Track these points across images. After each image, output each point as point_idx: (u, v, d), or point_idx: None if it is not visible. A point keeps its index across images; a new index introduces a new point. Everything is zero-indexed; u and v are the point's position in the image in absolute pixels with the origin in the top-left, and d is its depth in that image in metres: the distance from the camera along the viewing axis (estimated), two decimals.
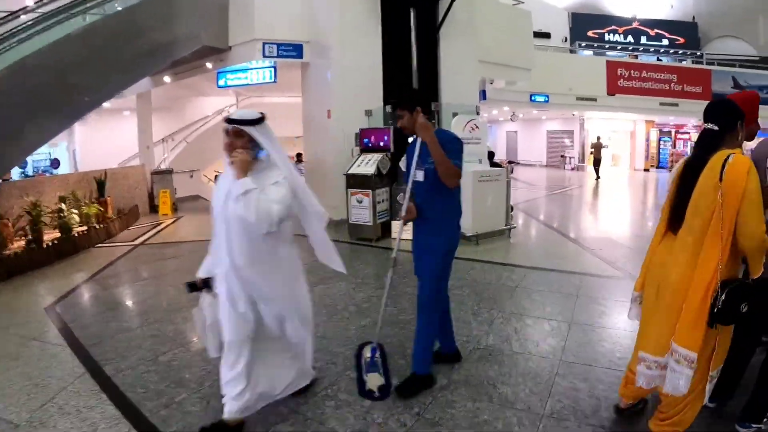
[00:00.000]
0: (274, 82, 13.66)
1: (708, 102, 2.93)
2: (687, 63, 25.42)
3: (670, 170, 19.95)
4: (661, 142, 28.83)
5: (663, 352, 2.76)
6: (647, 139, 28.54)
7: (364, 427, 3.30)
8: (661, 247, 2.96)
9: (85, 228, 9.44)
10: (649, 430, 3.01)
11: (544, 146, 32.08)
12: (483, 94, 17.78)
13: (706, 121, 2.80)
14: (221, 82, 14.52)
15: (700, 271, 2.61)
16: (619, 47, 27.85)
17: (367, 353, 3.79)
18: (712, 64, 24.18)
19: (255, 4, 11.15)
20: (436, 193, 3.58)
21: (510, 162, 21.19)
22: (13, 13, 10.17)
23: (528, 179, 23.06)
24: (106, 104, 14.53)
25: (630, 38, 28.86)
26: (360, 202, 9.13)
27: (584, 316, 5.22)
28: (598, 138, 24.25)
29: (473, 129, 9.06)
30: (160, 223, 12.09)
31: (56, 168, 18.76)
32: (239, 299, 3.09)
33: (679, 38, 28.92)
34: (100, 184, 11.08)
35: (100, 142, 18.91)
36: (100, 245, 9.42)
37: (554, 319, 5.14)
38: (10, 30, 9.58)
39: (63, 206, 9.15)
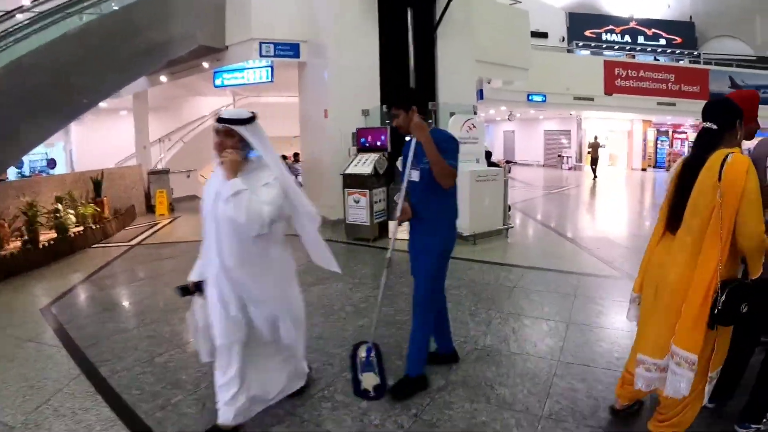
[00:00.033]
0: (271, 81, 13.63)
1: (706, 101, 2.91)
2: (684, 63, 25.42)
3: (668, 170, 20.06)
4: (659, 142, 28.94)
5: (662, 354, 2.74)
6: (644, 139, 28.61)
7: (361, 429, 3.27)
8: (659, 248, 2.94)
9: (81, 228, 9.40)
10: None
11: (542, 146, 32.11)
12: (480, 94, 17.76)
13: (704, 119, 2.78)
14: (218, 82, 14.48)
15: (699, 272, 2.59)
16: (616, 47, 27.91)
17: (362, 353, 3.78)
18: (710, 63, 24.22)
19: (252, 4, 11.11)
20: (431, 193, 3.55)
21: (507, 162, 21.22)
22: (8, 12, 10.13)
23: (525, 179, 23.07)
24: (102, 104, 14.46)
25: (627, 38, 28.92)
26: (357, 202, 9.11)
27: (582, 316, 5.20)
28: (596, 137, 24.29)
29: (470, 129, 9.05)
30: (157, 224, 12.05)
31: (53, 168, 18.73)
32: (230, 302, 3.06)
33: (676, 38, 28.98)
34: (97, 184, 11.06)
35: (97, 142, 18.83)
36: (96, 245, 9.39)
37: (552, 320, 5.13)
38: (6, 29, 9.55)
39: (59, 206, 9.11)
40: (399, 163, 4.30)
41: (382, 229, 9.36)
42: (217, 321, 3.08)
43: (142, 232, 10.86)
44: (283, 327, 3.25)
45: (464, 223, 8.46)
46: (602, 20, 28.95)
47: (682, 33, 29.04)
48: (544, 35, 25.85)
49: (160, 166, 15.82)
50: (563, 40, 27.30)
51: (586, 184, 20.77)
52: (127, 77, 10.81)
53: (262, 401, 3.31)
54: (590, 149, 23.79)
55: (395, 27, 10.60)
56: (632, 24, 29.10)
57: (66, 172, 17.97)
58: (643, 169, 28.01)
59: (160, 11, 10.61)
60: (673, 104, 22.91)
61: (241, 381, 3.12)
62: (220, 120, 3.03)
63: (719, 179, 2.53)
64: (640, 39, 28.98)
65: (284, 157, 18.08)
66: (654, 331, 2.82)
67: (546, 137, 31.77)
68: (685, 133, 28.36)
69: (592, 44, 27.31)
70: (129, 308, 6.09)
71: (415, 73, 10.63)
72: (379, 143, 9.51)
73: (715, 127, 2.72)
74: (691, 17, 29.33)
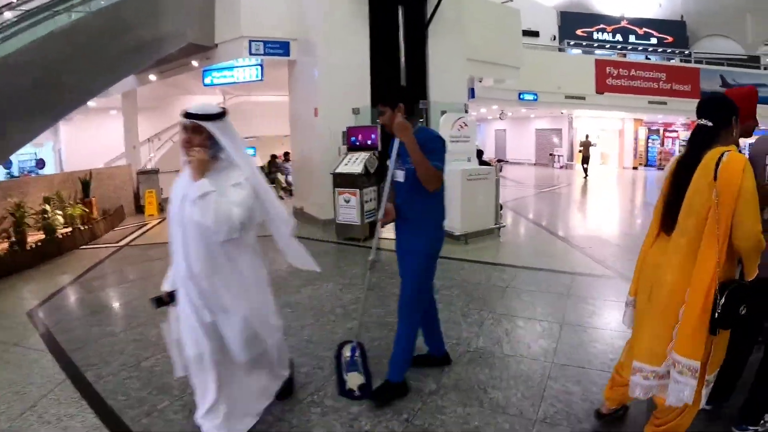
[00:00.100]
0: (261, 80, 13.58)
1: (702, 98, 2.85)
2: (675, 62, 25.54)
3: (659, 168, 20.17)
4: (650, 141, 29.08)
5: (659, 361, 2.67)
6: (636, 138, 28.77)
7: None
8: (654, 249, 2.86)
9: (69, 229, 9.30)
10: None
11: (533, 145, 32.22)
12: (471, 93, 17.76)
13: (699, 116, 2.70)
14: (207, 81, 14.42)
15: (697, 275, 2.52)
16: (607, 46, 28.05)
17: (346, 352, 3.71)
18: (701, 62, 24.35)
19: (241, 2, 11.00)
20: (416, 194, 3.44)
21: (499, 160, 21.24)
22: None
23: (517, 177, 23.10)
24: (91, 103, 14.39)
25: (618, 37, 29.07)
26: (347, 201, 9.04)
27: (575, 317, 5.17)
28: (587, 136, 24.31)
29: (462, 127, 9.01)
30: (146, 224, 11.94)
31: (42, 168, 18.63)
32: (202, 308, 2.89)
33: (667, 37, 29.13)
34: (85, 185, 10.95)
35: (86, 141, 18.76)
36: (84, 247, 9.29)
37: (545, 320, 5.09)
38: None
39: (47, 207, 9.01)
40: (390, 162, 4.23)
41: (373, 229, 9.26)
42: (187, 330, 2.92)
43: (130, 233, 10.76)
44: (254, 340, 3.06)
45: (456, 223, 8.46)
46: (593, 19, 29.08)
47: (673, 32, 29.20)
48: (536, 34, 25.91)
49: (149, 166, 15.74)
50: (554, 39, 27.41)
51: (577, 183, 20.83)
52: (116, 76, 10.74)
53: (249, 415, 3.19)
54: (581, 148, 23.82)
55: (386, 25, 10.53)
56: (623, 23, 29.25)
57: (55, 172, 17.86)
58: (634, 168, 28.15)
59: (149, 8, 10.53)
60: (665, 103, 23.02)
61: (218, 393, 2.96)
62: (187, 115, 2.82)
63: (715, 178, 2.46)
64: (632, 38, 29.13)
65: (274, 157, 18.06)
66: (649, 336, 2.75)
67: (537, 136, 31.86)
68: (676, 131, 28.51)
69: (584, 43, 27.45)
70: (116, 311, 6.00)
71: (406, 71, 10.58)
72: (369, 142, 9.44)
73: (710, 124, 2.65)
74: (682, 16, 29.50)
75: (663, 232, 2.81)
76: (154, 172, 14.51)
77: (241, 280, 2.99)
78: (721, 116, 2.65)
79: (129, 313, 5.76)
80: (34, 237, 8.40)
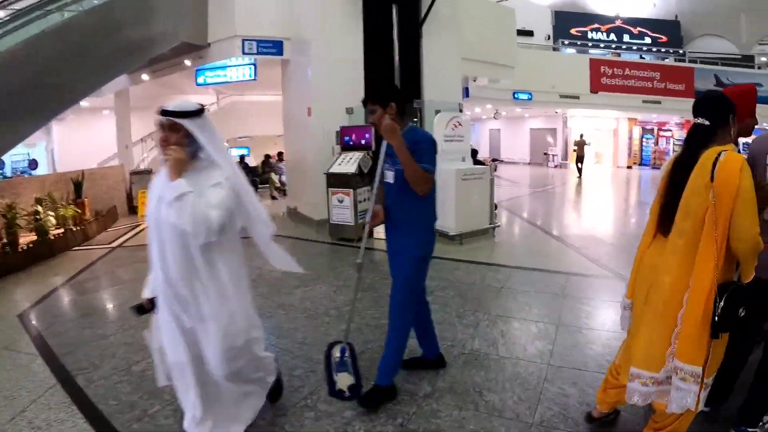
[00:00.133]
0: (254, 79, 13.53)
1: (698, 96, 2.81)
2: (670, 61, 25.63)
3: (653, 167, 20.16)
4: (644, 140, 29.14)
5: (657, 367, 2.62)
6: (630, 137, 28.84)
7: None
8: (651, 250, 2.81)
9: (61, 230, 9.21)
10: None
11: (528, 144, 32.28)
12: (466, 92, 17.75)
13: (696, 115, 2.66)
14: (200, 80, 14.37)
15: (696, 279, 2.47)
16: (602, 45, 28.12)
17: (336, 353, 3.66)
18: (695, 62, 24.46)
19: (235, 0, 10.97)
20: (406, 196, 3.35)
21: (494, 160, 21.23)
22: None
23: (511, 177, 23.08)
24: (84, 103, 14.32)
25: (613, 36, 29.16)
26: (341, 201, 8.99)
27: (571, 318, 5.13)
28: (581, 135, 24.34)
29: (456, 126, 8.97)
30: (139, 225, 11.85)
31: (34, 169, 18.54)
32: (181, 314, 2.81)
33: (661, 36, 29.22)
34: (77, 185, 10.86)
35: (79, 141, 18.69)
36: (77, 248, 9.21)
37: (541, 321, 5.05)
38: None
39: (39, 208, 8.94)
40: None
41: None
42: (168, 337, 2.85)
43: (123, 234, 10.67)
44: (232, 354, 2.93)
45: (450, 223, 8.43)
46: (588, 19, 29.14)
47: (667, 32, 29.29)
48: (530, 33, 25.96)
49: (142, 166, 15.69)
50: (549, 39, 27.47)
51: (571, 182, 20.85)
52: (108, 75, 10.65)
53: (237, 422, 3.12)
54: (576, 147, 23.85)
55: (380, 23, 10.49)
56: (618, 22, 29.32)
57: (48, 172, 17.78)
58: (629, 167, 28.24)
59: (142, 7, 10.44)
60: (659, 102, 23.10)
61: (203, 408, 2.90)
62: (164, 112, 2.71)
63: (712, 179, 2.42)
64: (626, 37, 29.22)
65: (268, 156, 18.01)
66: (646, 339, 2.70)
67: (532, 135, 31.92)
68: (671, 130, 28.59)
69: (578, 42, 27.49)
70: (108, 313, 5.93)
71: (400, 71, 10.54)
72: (363, 142, 9.40)
73: (707, 122, 2.60)
74: (676, 16, 29.61)
75: (660, 233, 2.77)
76: (147, 172, 14.41)
77: (220, 287, 2.86)
78: (719, 115, 2.60)
79: (121, 315, 5.67)
80: (25, 238, 8.32)
